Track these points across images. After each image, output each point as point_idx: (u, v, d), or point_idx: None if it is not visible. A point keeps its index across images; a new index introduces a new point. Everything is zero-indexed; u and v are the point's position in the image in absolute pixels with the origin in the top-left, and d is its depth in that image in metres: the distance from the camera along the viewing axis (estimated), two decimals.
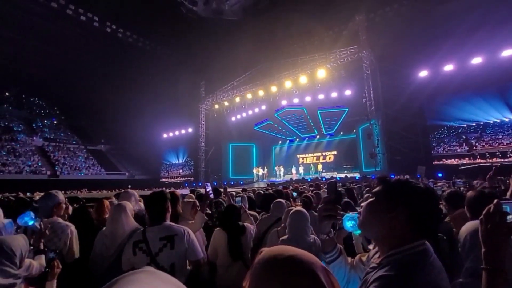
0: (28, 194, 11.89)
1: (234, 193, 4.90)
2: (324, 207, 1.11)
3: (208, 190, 2.80)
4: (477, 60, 12.86)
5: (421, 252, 0.81)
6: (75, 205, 3.64)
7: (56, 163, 26.12)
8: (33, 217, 1.74)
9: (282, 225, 2.45)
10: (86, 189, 17.97)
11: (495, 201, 0.86)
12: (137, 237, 1.80)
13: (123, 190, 3.40)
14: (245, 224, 2.56)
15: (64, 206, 2.31)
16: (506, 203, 0.87)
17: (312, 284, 0.47)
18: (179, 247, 1.76)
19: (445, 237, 1.48)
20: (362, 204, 0.97)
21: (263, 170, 20.05)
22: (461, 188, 4.19)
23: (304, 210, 2.17)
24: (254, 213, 3.36)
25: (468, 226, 1.28)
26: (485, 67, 12.59)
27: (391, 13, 15.91)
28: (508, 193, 1.91)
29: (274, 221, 2.79)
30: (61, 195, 2.24)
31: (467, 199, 1.64)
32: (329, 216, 1.10)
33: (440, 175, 12.95)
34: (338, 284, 0.52)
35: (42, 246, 1.66)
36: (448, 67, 13.61)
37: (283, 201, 3.03)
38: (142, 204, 2.99)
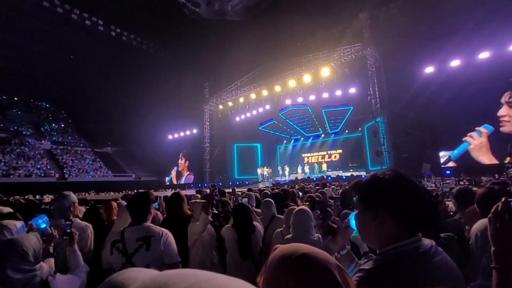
0: (37, 196, 12.13)
1: (239, 193, 4.92)
2: (320, 225, 1.13)
3: (214, 190, 2.81)
4: (484, 55, 12.62)
5: (410, 250, 0.78)
6: (84, 206, 3.71)
7: (64, 165, 26.55)
8: (46, 220, 1.78)
9: (284, 226, 2.45)
10: (93, 191, 18.24)
11: (503, 199, 0.84)
12: (115, 237, 1.80)
13: (130, 192, 3.44)
14: (254, 223, 2.58)
15: (77, 206, 2.37)
16: None
17: (327, 281, 0.48)
18: (154, 249, 1.74)
19: (455, 236, 1.46)
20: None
21: (268, 170, 20.04)
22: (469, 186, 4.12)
23: (307, 209, 2.17)
24: (259, 210, 3.39)
25: (479, 224, 1.25)
26: (493, 62, 12.35)
27: (395, 9, 15.73)
28: None
29: (269, 221, 2.82)
30: (73, 195, 2.29)
31: (477, 196, 1.61)
32: (326, 233, 1.11)
33: (448, 172, 12.78)
34: (353, 283, 0.52)
35: (51, 250, 1.69)
36: (455, 63, 13.39)
37: (271, 200, 3.07)
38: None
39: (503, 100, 12.24)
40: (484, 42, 12.41)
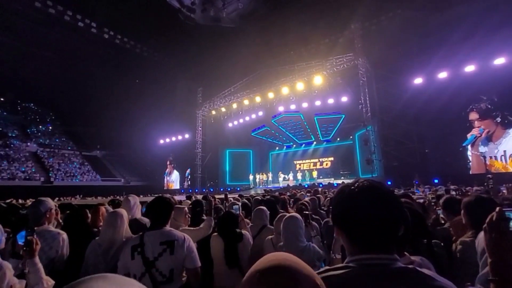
0: (20, 201, 11.66)
1: (231, 199, 4.85)
2: None
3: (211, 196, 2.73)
4: (470, 68, 13.09)
5: (344, 274, 0.69)
6: (67, 212, 3.56)
7: (51, 169, 25.75)
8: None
9: (274, 233, 2.40)
10: (79, 196, 17.70)
11: (497, 208, 0.82)
12: (134, 241, 1.76)
13: (118, 197, 3.33)
14: (242, 231, 2.52)
15: (54, 212, 2.25)
16: (509, 210, 0.83)
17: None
18: (178, 253, 1.73)
19: (442, 243, 1.46)
20: None
21: (267, 175, 19.98)
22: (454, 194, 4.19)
23: (298, 216, 2.14)
24: (247, 220, 3.32)
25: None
26: (478, 75, 12.82)
27: (386, 21, 16.20)
28: None
29: (258, 230, 2.71)
30: (51, 201, 2.18)
31: (464, 204, 1.61)
32: None
33: (436, 181, 13.02)
34: None
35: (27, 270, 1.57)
36: (442, 75, 13.81)
37: (264, 208, 2.95)
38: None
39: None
40: (469, 56, 12.90)
